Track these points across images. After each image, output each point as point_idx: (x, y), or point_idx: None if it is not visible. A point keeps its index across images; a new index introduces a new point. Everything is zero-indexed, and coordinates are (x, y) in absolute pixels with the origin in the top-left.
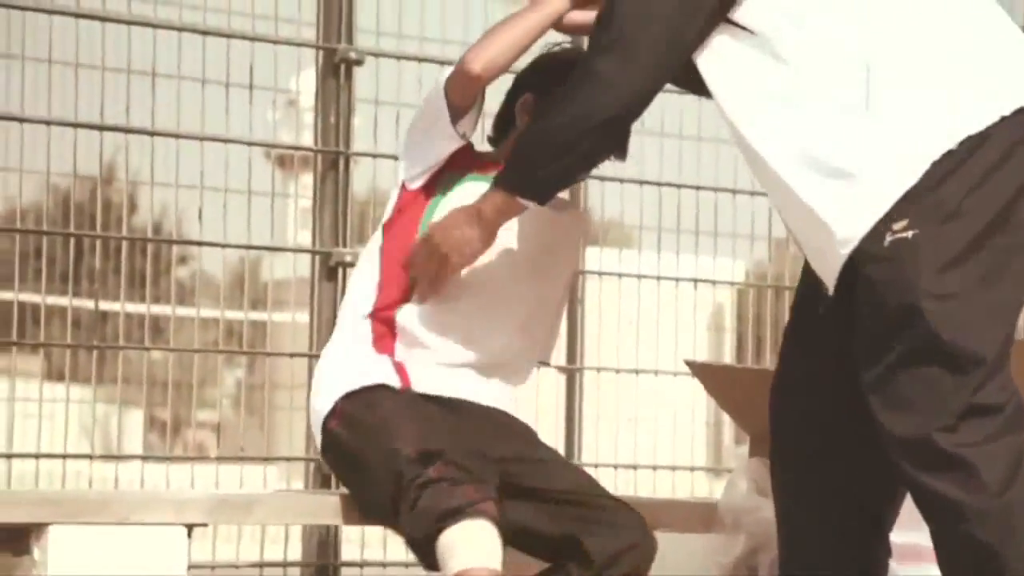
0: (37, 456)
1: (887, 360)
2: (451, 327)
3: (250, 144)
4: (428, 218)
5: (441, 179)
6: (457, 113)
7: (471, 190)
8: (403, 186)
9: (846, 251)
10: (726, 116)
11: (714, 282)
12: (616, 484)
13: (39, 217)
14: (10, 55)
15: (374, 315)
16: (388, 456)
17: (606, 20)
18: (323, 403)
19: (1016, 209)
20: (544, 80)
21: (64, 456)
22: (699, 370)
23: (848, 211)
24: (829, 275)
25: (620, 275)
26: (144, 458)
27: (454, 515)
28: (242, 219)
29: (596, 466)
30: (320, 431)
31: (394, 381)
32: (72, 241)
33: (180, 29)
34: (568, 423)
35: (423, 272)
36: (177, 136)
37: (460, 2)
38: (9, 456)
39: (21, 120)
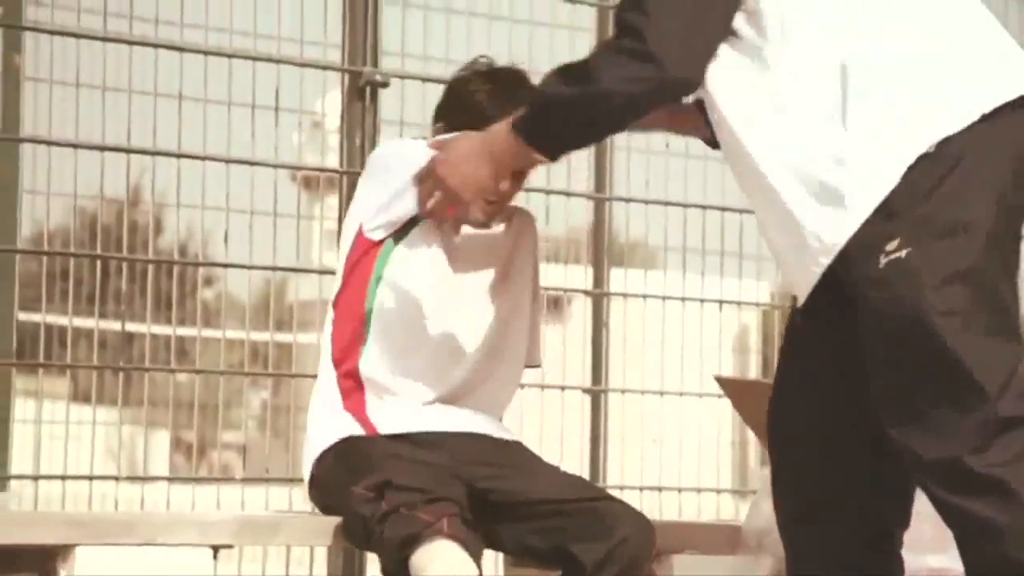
0: (64, 478)
1: (903, 383)
2: (415, 367)
3: (276, 166)
4: (382, 264)
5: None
6: None
7: (427, 231)
8: (360, 230)
9: (827, 259)
10: (716, 115)
11: (739, 303)
12: (641, 506)
13: (66, 239)
14: (38, 78)
15: (337, 367)
16: (347, 502)
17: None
18: (306, 472)
19: (1009, 216)
20: (451, 109)
21: (90, 478)
22: (727, 385)
23: (829, 218)
24: (804, 285)
25: (645, 296)
26: (170, 479)
27: (412, 543)
28: (268, 241)
29: (621, 488)
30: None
31: (358, 431)
32: (99, 263)
33: (207, 52)
34: (593, 445)
35: (428, 207)
36: (203, 158)
37: (485, 24)
38: (36, 478)
39: (48, 143)
